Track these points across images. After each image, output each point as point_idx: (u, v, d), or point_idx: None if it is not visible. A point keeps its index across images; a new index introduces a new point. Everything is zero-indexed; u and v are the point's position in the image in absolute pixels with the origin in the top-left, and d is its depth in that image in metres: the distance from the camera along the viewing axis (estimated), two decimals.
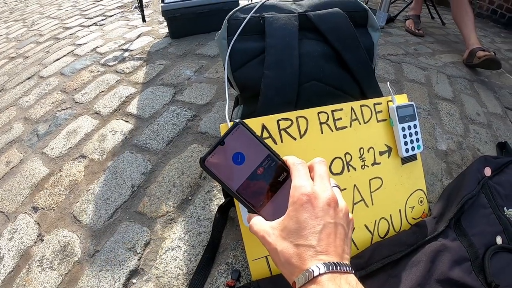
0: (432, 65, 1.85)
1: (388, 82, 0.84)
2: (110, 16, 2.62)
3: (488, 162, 1.02)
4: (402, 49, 2.01)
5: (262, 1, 0.80)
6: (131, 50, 1.77)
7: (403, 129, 0.78)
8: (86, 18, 2.66)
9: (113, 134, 1.12)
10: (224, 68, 0.73)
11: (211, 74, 1.41)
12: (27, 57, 2.04)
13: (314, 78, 0.74)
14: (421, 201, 0.85)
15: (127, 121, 1.18)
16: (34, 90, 1.53)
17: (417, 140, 0.81)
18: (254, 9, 0.76)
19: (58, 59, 1.85)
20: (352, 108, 0.75)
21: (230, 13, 0.76)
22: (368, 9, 0.85)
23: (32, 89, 1.55)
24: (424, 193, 0.85)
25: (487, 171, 0.98)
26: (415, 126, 0.80)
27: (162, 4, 1.78)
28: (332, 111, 0.72)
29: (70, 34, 2.29)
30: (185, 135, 1.11)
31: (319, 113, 0.71)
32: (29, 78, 1.70)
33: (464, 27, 2.02)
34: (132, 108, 1.24)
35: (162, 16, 1.81)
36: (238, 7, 0.77)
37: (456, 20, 2.09)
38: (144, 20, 2.09)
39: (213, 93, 1.31)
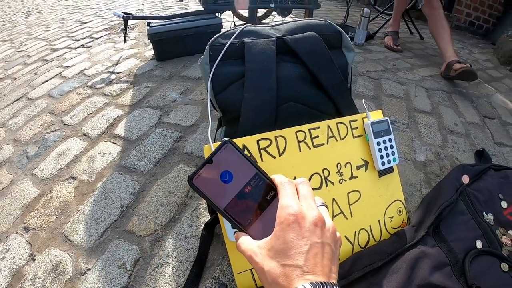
0: (410, 79, 1.93)
1: (363, 100, 0.88)
2: (97, 38, 2.66)
3: (466, 170, 1.07)
4: (381, 65, 2.09)
5: (242, 27, 0.84)
6: (118, 73, 1.81)
7: (379, 143, 0.83)
8: (73, 40, 2.69)
9: (101, 156, 1.15)
10: (207, 91, 0.77)
11: (196, 96, 1.45)
12: (15, 79, 2.06)
13: (292, 100, 0.79)
14: (400, 211, 0.89)
15: (115, 143, 1.20)
16: (23, 112, 1.55)
17: (393, 153, 0.86)
18: (234, 35, 0.81)
19: (46, 81, 1.87)
20: (328, 126, 0.79)
21: (212, 38, 0.80)
22: (342, 31, 0.90)
23: (21, 110, 1.57)
24: (403, 203, 0.89)
25: (465, 179, 1.02)
26: (390, 140, 0.85)
27: (148, 28, 1.83)
28: (310, 129, 0.77)
29: (58, 56, 2.31)
30: (171, 156, 1.14)
31: (296, 132, 0.75)
32: (17, 99, 1.72)
33: (441, 41, 2.11)
34: (120, 130, 1.27)
35: (148, 39, 1.85)
36: (220, 33, 0.82)
37: (433, 34, 2.19)
38: (125, 41, 2.14)
39: (198, 115, 1.35)
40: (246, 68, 0.76)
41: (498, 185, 1.05)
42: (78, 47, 2.47)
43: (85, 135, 1.27)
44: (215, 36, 0.81)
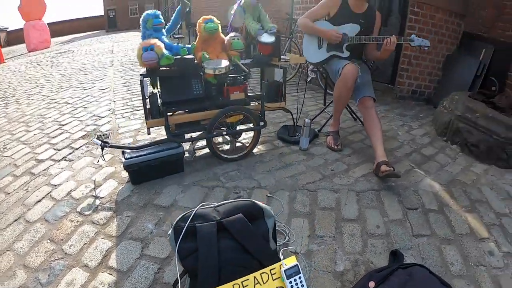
0: (344, 184, 2.37)
1: (282, 250, 1.44)
2: (77, 148, 3.15)
3: (372, 277, 1.38)
4: (320, 173, 2.53)
5: (194, 211, 1.41)
6: (101, 198, 2.30)
7: (291, 282, 1.38)
8: (55, 150, 3.16)
9: (103, 286, 1.62)
10: (176, 258, 1.32)
11: (167, 228, 1.97)
12: (8, 193, 2.49)
13: (229, 264, 1.35)
14: None
15: (111, 274, 1.68)
16: (25, 236, 1.98)
17: (303, 286, 1.41)
18: (189, 219, 1.37)
19: (39, 201, 2.32)
20: (254, 277, 1.35)
21: (174, 222, 1.37)
22: (264, 206, 1.50)
23: (22, 234, 2.01)
24: None
25: (371, 284, 1.34)
26: (300, 277, 1.39)
27: (124, 160, 2.36)
28: (242, 281, 1.32)
29: (44, 170, 2.77)
30: (154, 286, 1.63)
31: (233, 284, 1.30)
32: (16, 220, 2.15)
33: (373, 139, 2.58)
34: (113, 262, 1.75)
35: (124, 169, 2.39)
36: (179, 217, 1.38)
37: (367, 131, 2.71)
38: (103, 160, 2.65)
39: (170, 249, 1.84)
40: (198, 245, 1.32)
41: (403, 283, 1.32)
42: (60, 160, 2.94)
43: (85, 265, 1.73)
44: (176, 220, 1.37)
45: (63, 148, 3.19)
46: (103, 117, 4.04)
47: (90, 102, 4.76)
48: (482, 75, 4.07)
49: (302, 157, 2.81)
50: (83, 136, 3.47)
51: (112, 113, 4.16)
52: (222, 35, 2.72)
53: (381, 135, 2.59)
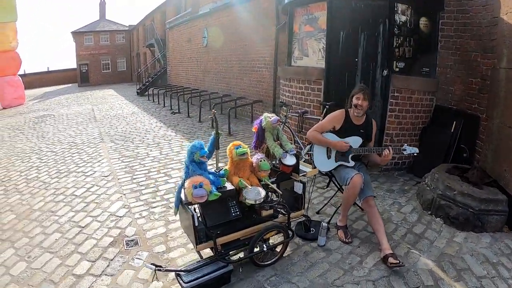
0: (362, 276, 2.89)
1: None
2: (112, 259, 3.36)
3: None
4: (341, 269, 3.01)
5: None
6: None
7: None
8: (88, 261, 3.35)
9: None
10: None
11: None
12: None
13: None
14: None
15: None
16: None
17: None
18: None
19: None
20: None
21: None
22: None
23: None
24: None
25: None
26: None
27: (184, 285, 2.60)
28: None
29: None
30: None
31: None
32: None
33: (378, 234, 3.11)
34: None
35: None
36: None
37: (371, 226, 3.26)
38: (157, 280, 2.90)
39: None
40: None
41: None
42: (101, 274, 3.12)
43: None
44: None
45: (97, 259, 3.37)
46: (121, 216, 4.26)
47: (99, 195, 4.96)
48: (454, 144, 4.91)
49: (323, 254, 3.27)
50: (111, 243, 3.68)
51: (129, 211, 4.40)
52: (250, 157, 3.16)
53: (384, 229, 3.14)
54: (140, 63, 29.37)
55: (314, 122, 5.32)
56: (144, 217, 4.24)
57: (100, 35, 33.65)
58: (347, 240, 3.42)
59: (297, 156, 3.31)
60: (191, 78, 16.10)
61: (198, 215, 2.86)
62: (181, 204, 2.94)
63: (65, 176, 5.87)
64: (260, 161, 3.12)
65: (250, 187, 2.96)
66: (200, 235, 2.88)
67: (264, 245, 3.05)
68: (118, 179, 5.58)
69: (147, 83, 20.34)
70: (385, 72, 5.14)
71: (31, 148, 8.05)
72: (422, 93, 5.19)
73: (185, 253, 3.46)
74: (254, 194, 2.91)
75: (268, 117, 3.32)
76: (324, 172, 3.87)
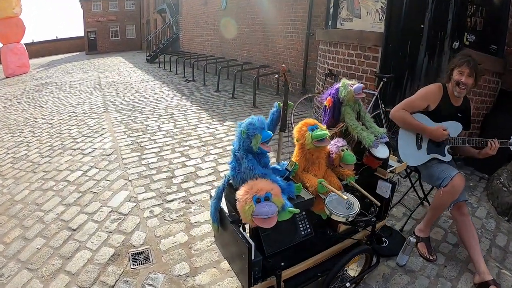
0: None
1: None
2: (112, 286, 2.27)
3: None
4: None
5: None
6: None
7: None
8: None
9: None
10: None
11: None
12: None
13: None
14: None
15: None
16: None
17: None
18: None
19: None
20: None
21: None
22: None
23: None
24: None
25: None
26: None
27: None
28: None
29: None
30: None
31: None
32: None
33: (472, 251, 2.37)
34: None
35: None
36: None
37: (463, 241, 2.46)
38: None
39: None
40: None
41: None
42: None
43: None
44: None
45: (91, 286, 2.30)
46: (125, 214, 3.13)
47: (98, 182, 3.82)
48: None
49: (406, 277, 2.45)
50: (112, 257, 2.58)
51: (136, 205, 3.26)
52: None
53: (479, 246, 2.42)
54: (150, 30, 27.85)
55: (369, 97, 4.35)
56: (156, 216, 3.10)
57: (109, 1, 32.00)
58: (431, 258, 2.61)
59: (390, 145, 2.19)
60: (207, 44, 14.70)
61: (251, 241, 1.64)
62: (223, 221, 1.82)
63: (59, 155, 4.78)
64: (342, 150, 1.93)
65: (335, 193, 1.77)
66: (255, 270, 1.69)
67: (346, 282, 1.97)
68: (123, 159, 4.43)
69: (158, 50, 19.03)
70: (456, 44, 4.02)
71: (25, 120, 6.98)
72: (489, 74, 4.26)
73: (219, 277, 2.39)
74: (344, 206, 1.76)
75: (348, 85, 2.14)
76: (412, 168, 2.83)
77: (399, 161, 2.40)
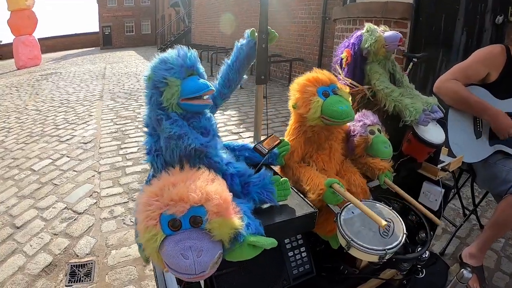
0: None
1: None
2: None
3: None
4: None
5: None
6: None
7: None
8: None
9: None
10: None
11: None
12: None
13: None
14: None
15: None
16: None
17: None
18: None
19: None
20: None
21: None
22: None
23: None
24: None
25: None
26: None
27: None
28: None
29: None
30: None
31: None
32: None
33: None
34: None
35: None
36: None
37: None
38: None
39: None
40: None
41: None
42: None
43: None
44: None
45: None
46: (80, 212, 2.52)
47: (65, 171, 3.25)
48: None
49: None
50: (47, 268, 1.98)
51: (96, 203, 2.65)
52: None
53: None
54: (165, 25, 27.51)
55: None
56: (115, 217, 2.47)
57: None
58: None
59: (443, 125, 1.55)
60: (217, 35, 14.09)
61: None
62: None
63: (34, 142, 4.24)
64: (372, 131, 1.24)
65: (357, 205, 1.00)
66: None
67: None
68: (100, 147, 3.84)
69: (168, 42, 18.57)
70: (500, 19, 3.26)
71: (16, 106, 6.52)
72: None
73: None
74: (377, 231, 1.00)
75: (375, 30, 1.42)
76: (465, 165, 1.97)
77: (451, 154, 1.69)
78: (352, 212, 1.03)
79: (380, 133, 1.23)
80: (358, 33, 1.49)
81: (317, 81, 1.11)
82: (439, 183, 1.45)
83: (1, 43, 28.83)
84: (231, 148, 1.18)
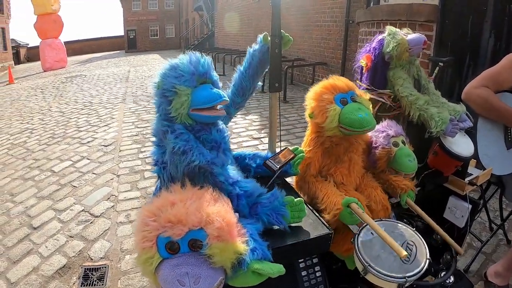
0: None
1: None
2: None
3: None
4: None
5: None
6: None
7: None
8: None
9: None
10: None
11: None
12: None
13: None
14: None
15: None
16: None
17: None
18: None
19: None
20: None
21: None
22: None
23: None
24: None
25: None
26: None
27: None
28: None
29: None
30: None
31: None
32: None
33: None
34: None
35: None
36: None
37: None
38: None
39: None
40: None
41: None
42: None
43: None
44: None
45: None
46: (96, 216, 2.51)
47: (84, 173, 3.26)
48: None
49: None
50: (61, 270, 1.97)
51: (113, 207, 2.63)
52: None
53: None
54: (189, 29, 27.84)
55: None
56: (131, 222, 2.44)
57: (149, 1, 32.26)
58: None
59: (473, 136, 1.44)
60: (241, 39, 14.09)
61: None
62: None
63: (56, 143, 4.30)
64: (395, 144, 1.16)
65: (377, 230, 0.91)
66: None
67: None
68: (120, 150, 3.84)
69: (192, 46, 18.75)
70: None
71: (40, 108, 6.68)
72: None
73: None
74: (406, 262, 0.90)
75: (397, 33, 1.34)
76: (494, 178, 1.79)
77: (479, 166, 1.58)
78: (372, 233, 0.96)
79: (405, 145, 1.15)
80: (380, 37, 1.41)
81: (334, 88, 1.06)
82: (466, 198, 1.34)
83: (28, 46, 29.80)
84: (242, 157, 1.11)
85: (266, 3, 10.94)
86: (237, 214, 0.76)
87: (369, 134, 1.18)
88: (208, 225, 0.67)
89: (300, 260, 1.00)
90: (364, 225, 0.97)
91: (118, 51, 31.56)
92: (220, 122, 1.00)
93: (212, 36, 18.99)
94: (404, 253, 0.82)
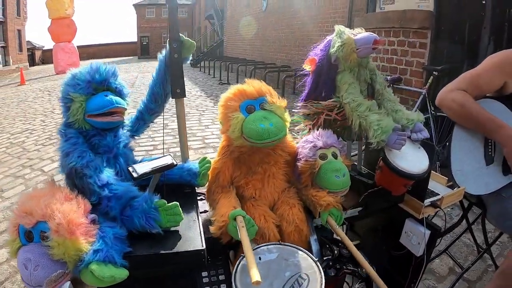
0: None
1: None
2: None
3: None
4: None
5: None
6: None
7: None
8: None
9: None
10: None
11: None
12: None
13: None
14: None
15: None
16: None
17: None
18: None
19: None
20: None
21: None
22: None
23: None
24: None
25: None
26: None
27: None
28: None
29: None
30: None
31: None
32: None
33: None
34: None
35: None
36: None
37: None
38: None
39: None
40: None
41: None
42: None
43: None
44: None
45: None
46: None
47: None
48: None
49: None
50: None
51: None
52: (288, 136, 1.09)
53: None
54: (200, 36, 28.24)
55: (415, 97, 3.36)
56: None
57: (162, 8, 32.75)
58: None
59: (432, 150, 1.25)
60: (248, 48, 14.25)
61: None
62: None
63: (51, 144, 4.45)
64: (323, 156, 1.03)
65: (246, 251, 0.80)
66: None
67: None
68: None
69: (201, 54, 18.99)
70: None
71: (44, 109, 6.89)
72: None
73: None
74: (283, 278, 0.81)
75: (343, 33, 1.18)
76: (474, 198, 1.57)
77: (451, 184, 1.38)
78: (259, 258, 0.86)
79: (336, 158, 1.03)
80: (329, 37, 1.26)
81: (242, 94, 0.99)
82: (423, 223, 1.18)
83: (43, 48, 30.55)
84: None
85: (272, 12, 11.10)
86: (93, 215, 0.82)
87: (298, 144, 1.10)
88: (50, 220, 0.74)
89: (204, 275, 0.95)
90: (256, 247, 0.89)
91: (131, 57, 32.14)
92: (122, 129, 1.08)
93: (221, 45, 19.20)
94: (255, 279, 0.70)
